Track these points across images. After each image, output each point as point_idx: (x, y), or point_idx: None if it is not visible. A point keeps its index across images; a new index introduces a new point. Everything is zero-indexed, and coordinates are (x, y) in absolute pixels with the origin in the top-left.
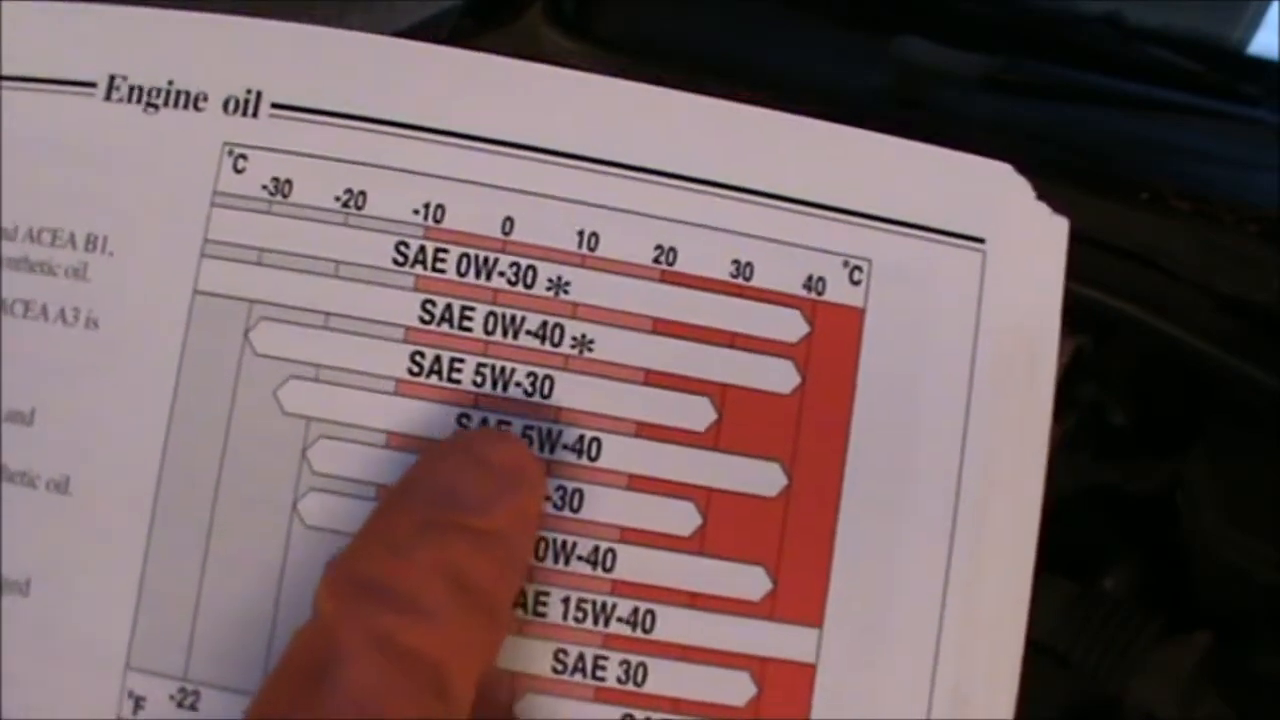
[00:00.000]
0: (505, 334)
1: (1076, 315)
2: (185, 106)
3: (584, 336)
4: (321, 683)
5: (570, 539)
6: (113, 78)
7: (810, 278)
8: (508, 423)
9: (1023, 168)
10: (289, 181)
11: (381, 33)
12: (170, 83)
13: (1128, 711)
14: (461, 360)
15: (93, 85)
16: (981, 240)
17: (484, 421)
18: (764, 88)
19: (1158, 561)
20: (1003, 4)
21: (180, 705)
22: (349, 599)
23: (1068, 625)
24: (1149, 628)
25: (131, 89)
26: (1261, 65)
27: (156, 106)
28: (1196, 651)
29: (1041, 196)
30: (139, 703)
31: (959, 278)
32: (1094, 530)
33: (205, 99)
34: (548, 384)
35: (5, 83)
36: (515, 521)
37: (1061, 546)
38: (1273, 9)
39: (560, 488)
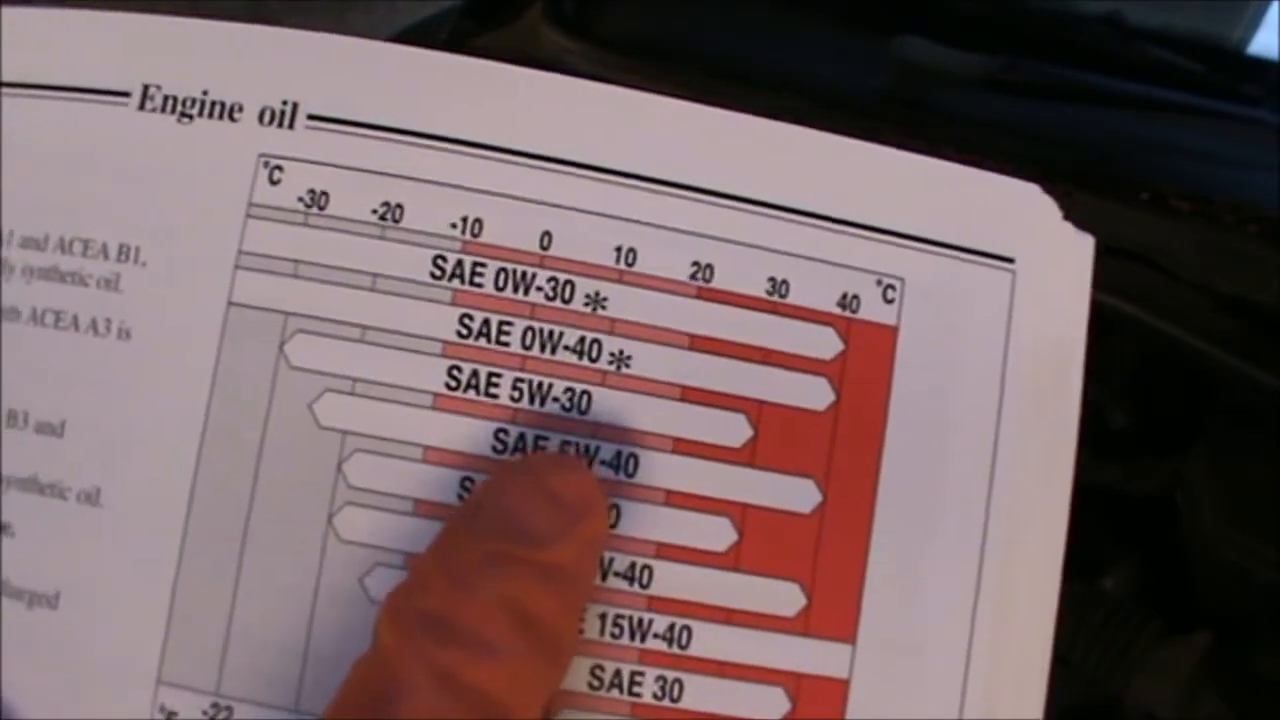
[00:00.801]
0: (543, 349)
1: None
2: (220, 117)
3: (621, 352)
4: (380, 716)
5: (607, 555)
6: (146, 88)
7: (845, 295)
8: (545, 438)
9: (1033, 169)
10: (325, 194)
11: (381, 33)
12: (205, 93)
13: (1128, 711)
14: (499, 375)
15: (126, 95)
16: (1011, 260)
17: (521, 438)
18: (764, 88)
19: (1158, 561)
20: (1003, 4)
21: None
22: (411, 632)
23: (1068, 625)
24: (1149, 628)
25: (166, 99)
26: (1261, 65)
27: (191, 117)
28: (1196, 651)
29: (1067, 215)
30: (170, 718)
31: (989, 296)
32: (1094, 530)
33: (240, 110)
34: (585, 399)
35: (37, 92)
36: (581, 555)
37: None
38: (1273, 9)
39: None
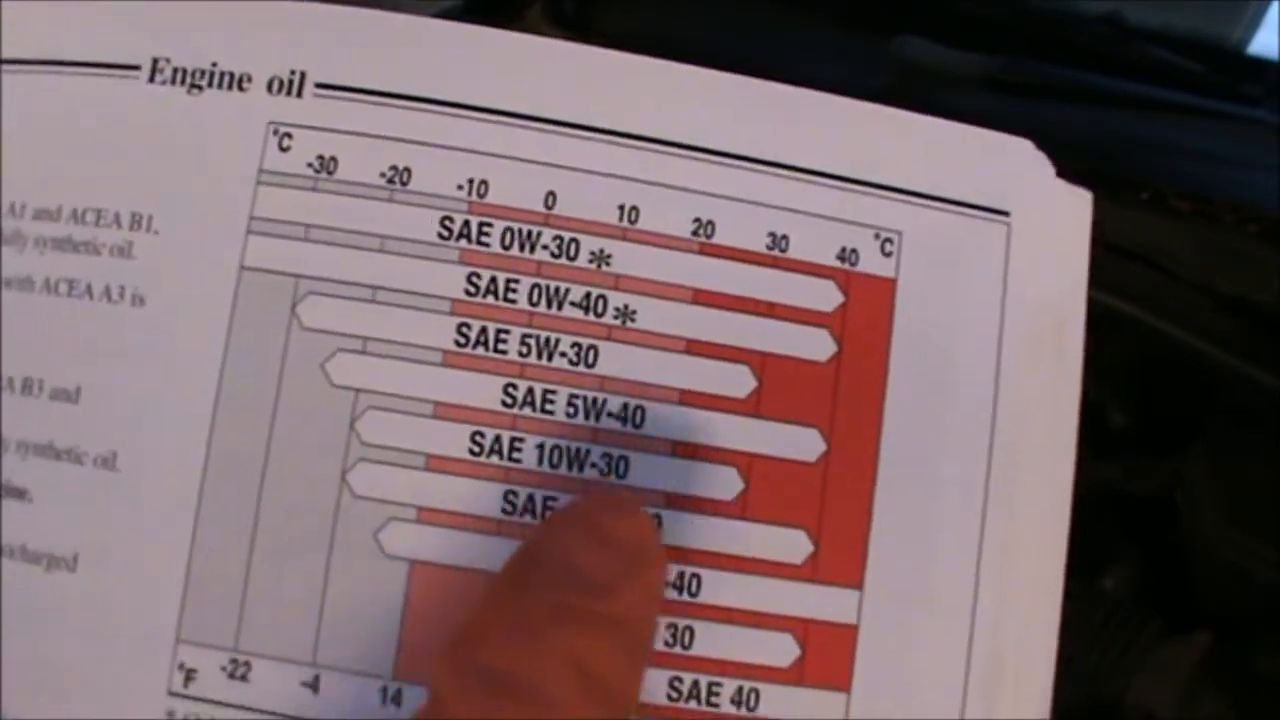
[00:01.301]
0: (550, 305)
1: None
2: (229, 87)
3: (627, 307)
4: None
5: None
6: (156, 60)
7: (844, 249)
8: (554, 392)
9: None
10: (334, 159)
11: None
12: (214, 64)
13: (1128, 711)
14: (507, 331)
15: (136, 68)
16: (1006, 213)
17: (529, 392)
18: None
19: (1158, 561)
20: (1003, 4)
21: (232, 676)
22: (470, 684)
23: (1068, 625)
24: (1149, 628)
25: (175, 71)
26: (1261, 65)
27: (200, 88)
28: (1196, 651)
29: (1062, 174)
30: (190, 675)
31: (985, 249)
32: (1094, 530)
33: (249, 80)
34: (592, 354)
35: (48, 67)
36: (642, 605)
37: None
38: (1273, 9)
39: (606, 455)
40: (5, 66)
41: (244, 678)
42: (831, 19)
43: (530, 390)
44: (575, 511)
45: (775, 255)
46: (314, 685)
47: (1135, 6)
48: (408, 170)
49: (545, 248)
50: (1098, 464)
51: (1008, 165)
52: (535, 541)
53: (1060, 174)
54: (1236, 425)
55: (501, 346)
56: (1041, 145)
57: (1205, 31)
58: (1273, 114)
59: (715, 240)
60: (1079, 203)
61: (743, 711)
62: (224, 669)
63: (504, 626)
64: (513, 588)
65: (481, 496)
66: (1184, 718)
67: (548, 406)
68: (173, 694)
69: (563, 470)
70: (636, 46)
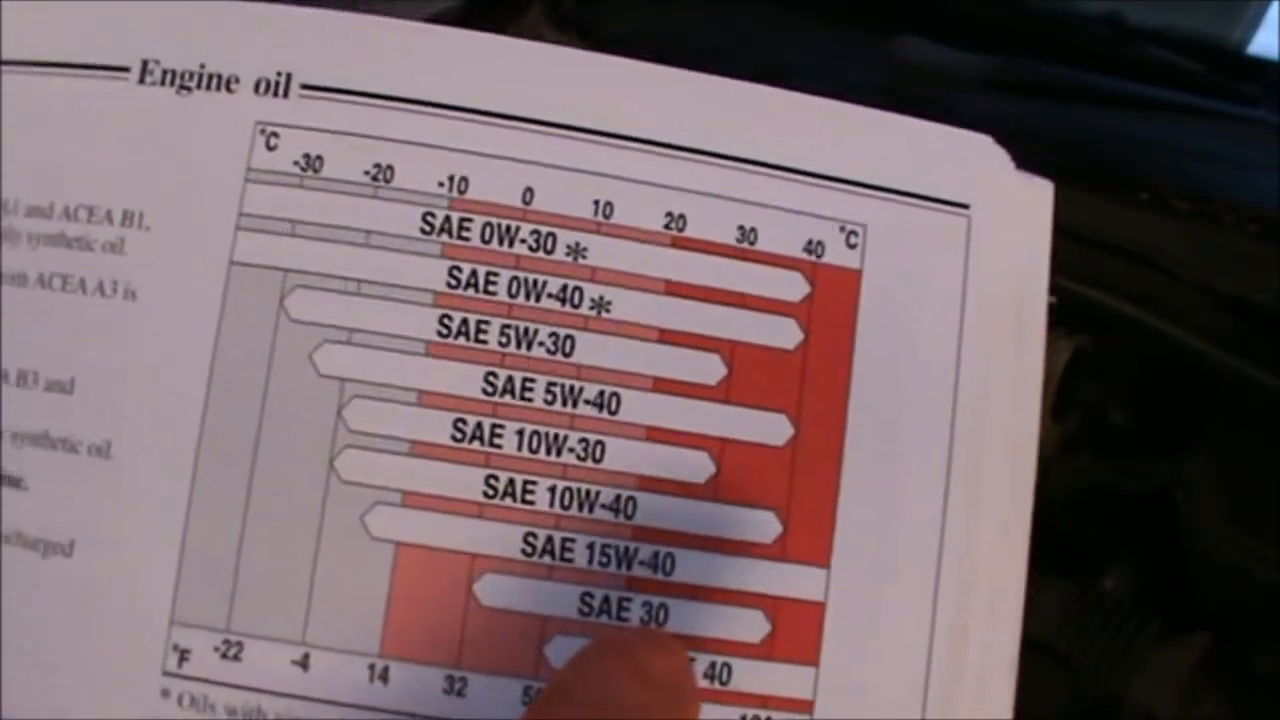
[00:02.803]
0: (528, 297)
1: (1076, 315)
2: (217, 88)
3: (602, 298)
4: None
5: (593, 488)
6: (145, 62)
7: (810, 242)
8: (533, 380)
9: (1033, 169)
10: (320, 157)
11: None
12: (203, 66)
13: (1128, 711)
14: (487, 322)
15: (126, 70)
16: (966, 206)
17: (510, 380)
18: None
19: (1158, 561)
20: (1003, 4)
21: (224, 656)
22: None
23: (1068, 625)
24: (1149, 628)
25: (165, 72)
26: (1261, 65)
27: (189, 89)
28: (1196, 651)
29: (1025, 166)
30: (184, 655)
31: (947, 240)
32: (1094, 530)
33: (237, 81)
34: (569, 343)
35: (40, 68)
36: None
37: (1061, 546)
38: (1273, 9)
39: (583, 440)
40: (3, 67)
41: (236, 657)
42: (831, 19)
43: (510, 379)
44: (613, 645)
45: (744, 248)
46: (304, 663)
47: (1135, 6)
48: (391, 168)
49: (524, 242)
50: (1098, 464)
51: (968, 160)
52: (576, 669)
53: (1044, 171)
54: (1236, 425)
55: (482, 337)
56: (1041, 145)
57: (1205, 31)
58: (1273, 114)
59: (686, 234)
60: (1039, 194)
61: (715, 685)
62: (217, 649)
63: None
64: (552, 712)
65: (464, 481)
66: (1184, 718)
67: (527, 394)
68: (167, 674)
69: (541, 455)
70: (636, 46)
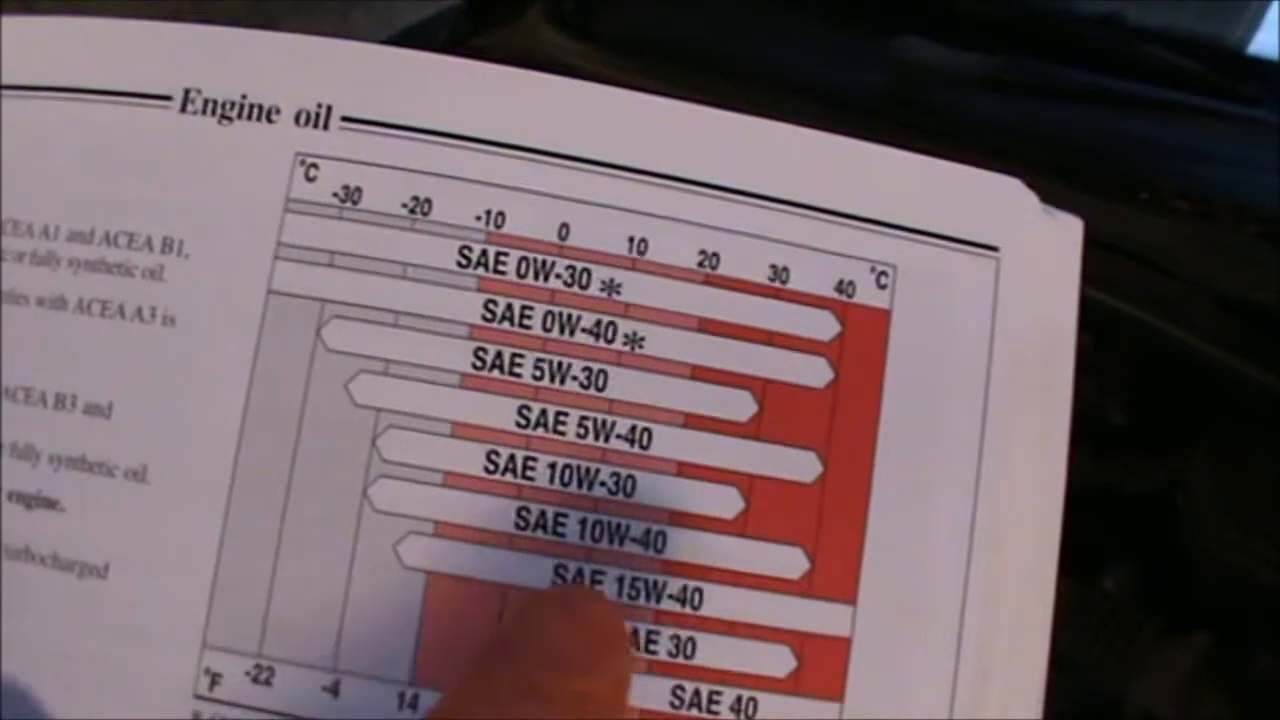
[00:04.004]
0: (562, 332)
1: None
2: (258, 119)
3: (635, 334)
4: None
5: (624, 521)
6: (188, 91)
7: (841, 281)
8: (566, 414)
9: (1033, 169)
10: (359, 189)
11: (382, 32)
12: (244, 96)
13: (1128, 711)
14: (522, 356)
15: (169, 99)
16: (995, 248)
17: (543, 414)
18: (764, 88)
19: (1158, 561)
20: (1003, 4)
21: (255, 681)
22: None
23: (1068, 625)
24: (1149, 628)
25: (206, 102)
26: (1261, 65)
27: (230, 119)
28: (1196, 651)
29: (1054, 199)
30: (215, 679)
31: (975, 282)
32: (1094, 530)
33: (278, 112)
34: (602, 378)
35: (85, 96)
36: (615, 685)
37: (1061, 546)
38: (1273, 9)
39: (615, 474)
40: (44, 94)
41: (267, 682)
42: (831, 19)
43: (543, 412)
44: (551, 598)
45: (776, 287)
46: (334, 690)
47: (1135, 6)
48: (429, 201)
49: (559, 277)
50: (1098, 464)
51: (997, 202)
52: (515, 622)
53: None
54: (1236, 425)
55: (516, 370)
56: (1042, 145)
57: (1205, 31)
58: (1273, 114)
59: (720, 272)
60: (1068, 233)
61: (741, 719)
62: (248, 673)
63: (484, 704)
64: (491, 663)
65: (496, 512)
66: (1184, 718)
67: (559, 428)
68: (199, 697)
69: (573, 488)
70: (636, 47)
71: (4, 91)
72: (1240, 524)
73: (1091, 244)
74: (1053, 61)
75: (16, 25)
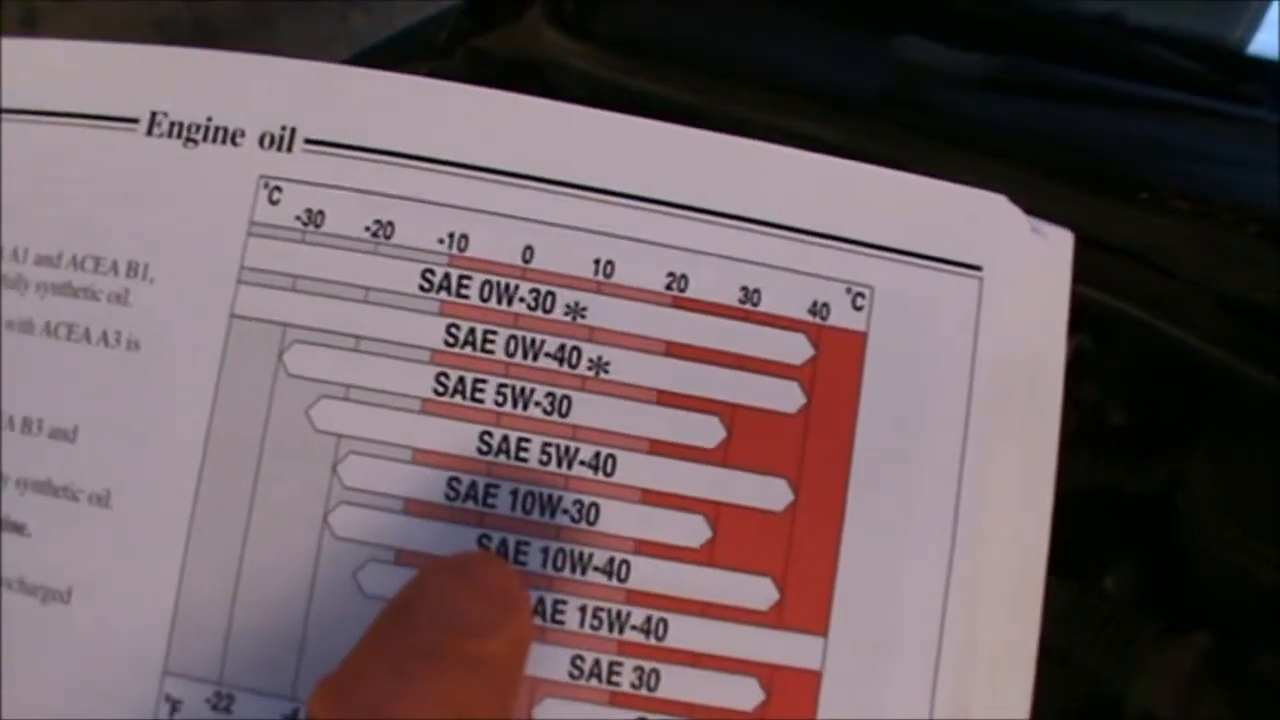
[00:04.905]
0: (525, 356)
1: (1076, 315)
2: (223, 142)
3: (600, 359)
4: None
5: (587, 550)
6: (154, 114)
7: (815, 303)
8: (528, 440)
9: (1033, 169)
10: (321, 212)
11: (382, 33)
12: (209, 119)
13: (1128, 711)
14: (484, 381)
15: (134, 121)
16: (978, 268)
17: (505, 440)
18: (763, 88)
19: (1158, 561)
20: (1003, 4)
21: (215, 708)
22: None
23: (1068, 625)
24: (1149, 628)
25: (172, 125)
26: (1261, 65)
27: (196, 141)
28: (1196, 651)
29: (1042, 211)
30: (175, 706)
31: (957, 304)
32: (1094, 530)
33: (242, 135)
34: (566, 403)
35: (50, 118)
36: (512, 649)
37: (1061, 546)
38: (1273, 9)
39: (577, 502)
40: (10, 116)
41: (227, 709)
42: (831, 19)
43: (505, 438)
44: (449, 563)
45: (747, 309)
46: (293, 717)
47: (1135, 6)
48: (391, 224)
49: (522, 300)
50: (1098, 464)
51: (980, 220)
52: (412, 586)
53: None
54: (1236, 425)
55: (479, 395)
56: (1041, 145)
57: (1205, 31)
58: (1273, 114)
59: (688, 294)
60: (1057, 250)
61: None
62: (208, 700)
63: (380, 665)
64: (389, 629)
65: (457, 540)
66: (1184, 718)
67: (522, 454)
68: None
69: (535, 516)
70: (635, 47)
71: None
72: (1240, 524)
73: (1091, 244)
74: (1053, 61)
75: None
